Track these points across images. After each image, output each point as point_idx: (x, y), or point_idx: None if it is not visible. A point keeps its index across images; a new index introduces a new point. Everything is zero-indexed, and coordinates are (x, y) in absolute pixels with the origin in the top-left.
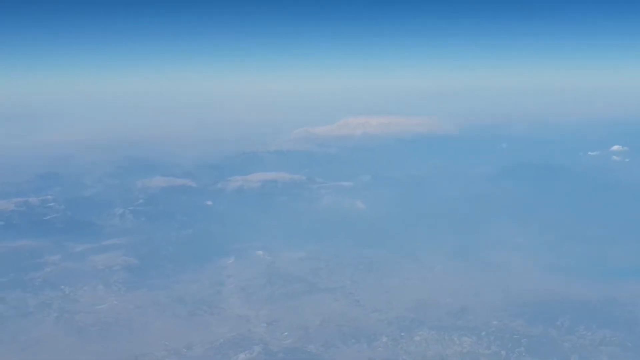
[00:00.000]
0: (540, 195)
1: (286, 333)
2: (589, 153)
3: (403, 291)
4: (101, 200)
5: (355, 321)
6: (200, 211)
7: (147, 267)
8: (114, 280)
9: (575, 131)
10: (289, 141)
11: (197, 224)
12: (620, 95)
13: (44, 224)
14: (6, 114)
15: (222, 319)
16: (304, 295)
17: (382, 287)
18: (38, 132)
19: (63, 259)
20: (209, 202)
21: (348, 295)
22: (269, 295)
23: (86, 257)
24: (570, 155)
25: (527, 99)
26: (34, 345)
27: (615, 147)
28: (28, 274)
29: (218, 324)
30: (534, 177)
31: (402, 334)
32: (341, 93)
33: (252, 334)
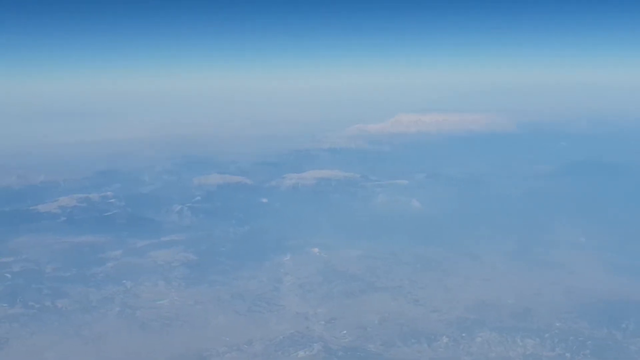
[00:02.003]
0: (603, 194)
1: (345, 331)
2: None
3: (463, 291)
4: (160, 196)
5: (415, 321)
6: (256, 208)
7: (206, 263)
8: (174, 275)
9: (638, 128)
10: (342, 139)
11: (253, 221)
12: None
13: (105, 220)
14: (65, 111)
15: (281, 315)
16: (361, 293)
17: (441, 286)
18: (96, 130)
19: (124, 254)
20: (265, 200)
21: (406, 294)
22: (326, 293)
23: (146, 253)
24: (633, 153)
25: (588, 95)
26: (97, 339)
27: None
28: (91, 269)
29: (277, 320)
30: (595, 176)
31: (463, 334)
32: (395, 89)
33: (310, 331)
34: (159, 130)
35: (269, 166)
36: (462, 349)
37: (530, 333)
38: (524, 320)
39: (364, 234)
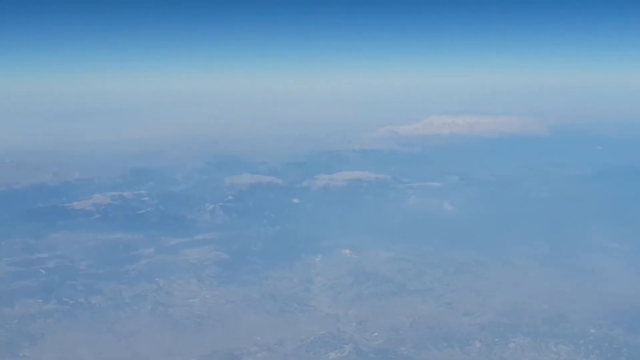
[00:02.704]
0: (637, 199)
1: (376, 334)
2: None
3: (495, 295)
4: (192, 195)
5: (447, 324)
6: (288, 209)
7: (237, 262)
8: (206, 274)
9: None
10: (372, 140)
11: (284, 221)
12: None
13: (138, 218)
14: (97, 110)
15: (312, 316)
16: (392, 295)
17: (473, 290)
18: (125, 128)
19: (157, 252)
20: (296, 200)
21: (438, 297)
22: (357, 294)
23: (179, 251)
24: None
25: (624, 98)
26: (130, 336)
27: None
28: (124, 266)
29: (308, 321)
30: (630, 181)
31: (496, 339)
32: (426, 91)
33: (341, 333)
34: (187, 130)
35: (300, 167)
36: (495, 354)
37: (564, 339)
38: (558, 326)
39: (395, 236)
